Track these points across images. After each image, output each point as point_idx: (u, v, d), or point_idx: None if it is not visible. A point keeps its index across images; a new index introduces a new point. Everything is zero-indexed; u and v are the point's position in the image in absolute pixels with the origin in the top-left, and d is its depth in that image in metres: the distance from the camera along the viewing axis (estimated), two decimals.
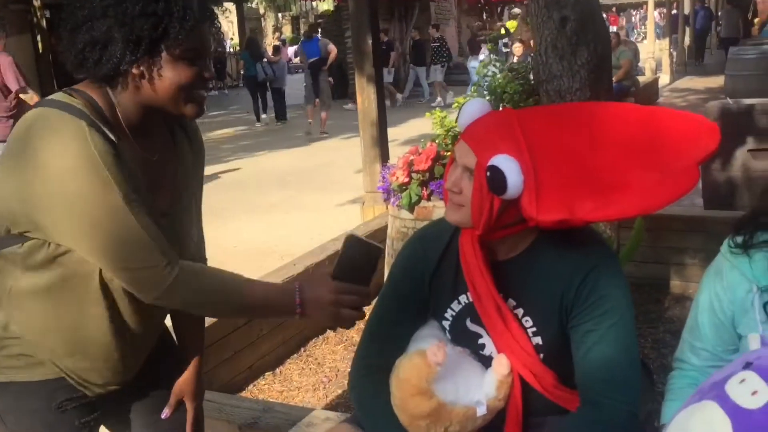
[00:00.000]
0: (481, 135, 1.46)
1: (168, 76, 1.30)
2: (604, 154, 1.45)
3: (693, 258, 3.93)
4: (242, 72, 15.79)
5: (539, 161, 1.42)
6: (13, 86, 5.87)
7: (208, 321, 2.97)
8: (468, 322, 1.61)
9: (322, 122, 11.75)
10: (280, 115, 13.75)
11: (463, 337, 1.62)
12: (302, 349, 3.59)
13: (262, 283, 1.52)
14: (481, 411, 1.53)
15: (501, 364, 1.53)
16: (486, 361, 1.60)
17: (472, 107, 1.52)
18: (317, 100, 11.91)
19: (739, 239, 1.39)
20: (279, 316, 1.76)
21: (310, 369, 3.40)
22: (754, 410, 1.15)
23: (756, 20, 12.53)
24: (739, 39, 13.02)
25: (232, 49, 22.26)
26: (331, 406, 3.01)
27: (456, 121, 1.57)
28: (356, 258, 1.43)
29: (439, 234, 1.65)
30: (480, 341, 1.60)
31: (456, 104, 4.02)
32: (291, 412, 2.21)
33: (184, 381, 1.64)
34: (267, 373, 3.35)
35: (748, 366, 1.22)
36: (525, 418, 1.55)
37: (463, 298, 1.59)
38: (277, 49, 14.48)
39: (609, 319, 1.45)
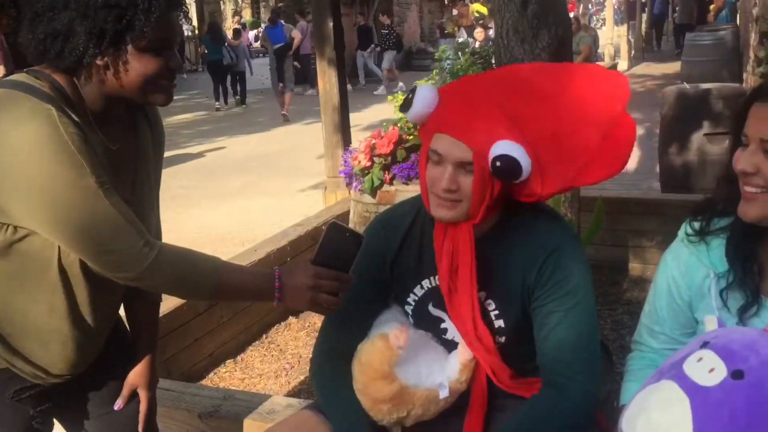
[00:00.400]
0: (468, 124, 1.40)
1: (134, 68, 1.26)
2: (565, 120, 1.47)
3: (650, 240, 3.99)
4: (203, 56, 15.94)
5: (528, 136, 1.42)
6: None
7: (167, 308, 2.94)
8: (431, 307, 1.60)
9: (285, 105, 11.84)
10: (243, 98, 13.89)
11: (425, 322, 1.61)
12: (264, 336, 3.55)
13: (240, 266, 1.50)
14: (444, 394, 1.53)
15: (467, 348, 1.53)
16: (449, 345, 1.59)
17: (425, 96, 1.45)
18: (281, 84, 12.13)
19: (696, 225, 1.39)
20: (256, 301, 1.73)
21: (272, 356, 3.37)
22: (712, 387, 1.16)
23: (711, 7, 12.74)
24: (693, 25, 13.24)
25: (190, 33, 21.81)
26: (293, 393, 2.99)
27: (401, 110, 1.49)
28: (337, 245, 1.41)
29: (401, 218, 1.63)
30: (442, 326, 1.60)
31: None
32: (252, 399, 2.18)
33: (137, 371, 1.61)
34: (228, 361, 3.31)
35: (705, 345, 1.23)
36: (489, 400, 1.55)
37: (426, 283, 1.58)
38: (237, 33, 14.34)
39: (570, 301, 1.46)
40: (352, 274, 1.42)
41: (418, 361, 1.56)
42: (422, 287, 1.59)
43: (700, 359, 1.22)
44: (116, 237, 1.25)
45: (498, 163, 1.36)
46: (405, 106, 1.48)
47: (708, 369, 1.19)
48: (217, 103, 13.58)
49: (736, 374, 1.15)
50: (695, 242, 1.39)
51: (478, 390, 1.55)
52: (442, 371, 1.56)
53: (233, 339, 3.38)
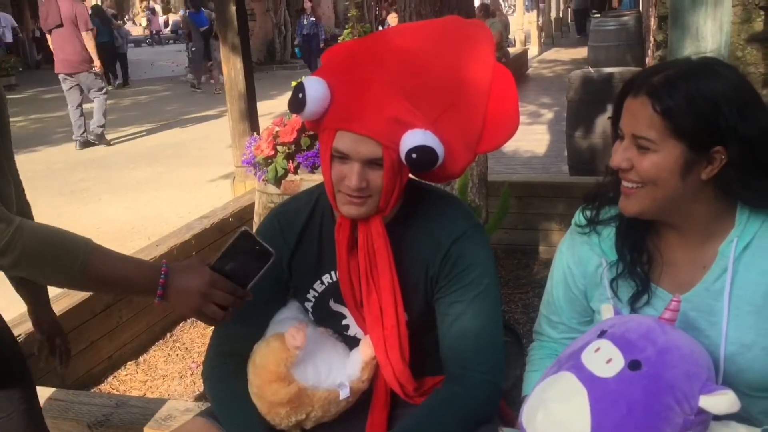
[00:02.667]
0: (369, 117, 1.30)
1: None
2: (452, 87, 1.39)
3: (560, 223, 4.04)
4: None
5: (432, 116, 1.35)
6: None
7: (59, 309, 2.75)
8: (331, 303, 1.53)
9: (216, 80, 13.25)
10: (126, 79, 15.25)
11: (326, 318, 1.54)
12: (168, 335, 3.39)
13: (119, 253, 1.31)
14: (344, 393, 1.47)
15: (368, 345, 1.48)
16: (350, 342, 1.53)
17: (317, 91, 1.33)
18: (210, 62, 13.77)
19: (588, 214, 1.37)
20: (135, 295, 1.57)
21: (177, 355, 3.22)
22: (609, 378, 1.14)
23: None
24: (588, 9, 13.65)
25: None
26: (199, 394, 2.86)
27: (293, 108, 1.36)
28: (243, 256, 1.27)
29: (297, 211, 1.55)
30: (344, 322, 1.54)
31: None
32: (147, 405, 2.05)
33: (45, 323, 1.61)
34: (129, 363, 3.14)
35: (602, 334, 1.21)
36: (392, 398, 1.50)
37: (326, 278, 1.51)
38: (115, 17, 15.88)
39: (473, 290, 1.42)
40: (250, 290, 1.28)
41: (317, 361, 1.49)
42: (323, 282, 1.52)
43: (597, 349, 1.20)
44: None
45: (414, 155, 1.28)
46: (295, 105, 1.36)
47: (605, 359, 1.17)
48: (110, 85, 14.00)
49: (633, 365, 1.14)
50: (586, 232, 1.36)
51: (380, 388, 1.50)
52: (342, 370, 1.50)
53: (134, 339, 3.20)
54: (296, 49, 16.13)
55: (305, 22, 14.61)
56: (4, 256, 1.12)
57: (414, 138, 1.28)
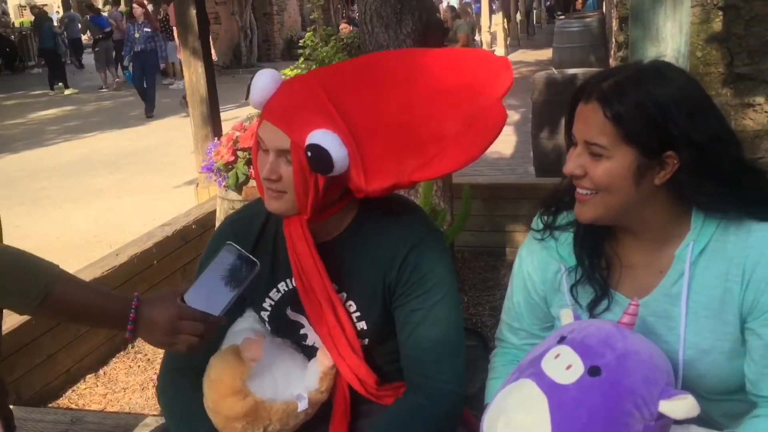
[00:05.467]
0: (287, 111, 1.31)
1: None
2: (418, 108, 1.37)
3: (526, 225, 3.98)
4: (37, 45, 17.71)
5: (357, 127, 1.32)
6: None
7: (14, 323, 2.67)
8: (288, 311, 1.49)
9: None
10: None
11: (283, 328, 1.50)
12: (130, 346, 3.30)
13: (88, 284, 1.26)
14: (303, 405, 1.43)
15: (326, 356, 1.44)
16: (308, 352, 1.50)
17: (263, 80, 1.34)
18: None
19: (545, 219, 1.35)
20: (102, 327, 1.50)
21: (139, 366, 3.14)
22: (569, 385, 1.12)
23: None
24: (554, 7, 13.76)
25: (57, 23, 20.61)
26: None
27: (246, 98, 1.41)
28: (220, 272, 1.23)
29: (251, 218, 1.51)
30: (302, 331, 1.50)
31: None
32: (104, 420, 1.99)
33: None
34: (89, 376, 3.05)
35: (562, 340, 1.19)
36: (352, 408, 1.46)
37: (282, 286, 1.48)
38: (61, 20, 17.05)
39: (432, 298, 1.39)
40: (222, 315, 1.24)
41: (274, 372, 1.45)
42: (278, 290, 1.48)
43: (557, 356, 1.18)
44: None
45: (309, 153, 1.26)
46: (247, 93, 1.38)
47: (565, 366, 1.15)
48: (51, 92, 14.79)
49: (592, 371, 1.12)
50: (544, 238, 1.34)
51: (340, 398, 1.47)
52: (300, 381, 1.46)
53: (94, 351, 3.12)
54: (126, 72, 12.86)
55: (136, 34, 11.33)
56: None
57: (314, 137, 1.27)
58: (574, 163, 1.20)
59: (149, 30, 11.54)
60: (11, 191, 6.63)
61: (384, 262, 1.41)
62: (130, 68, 11.79)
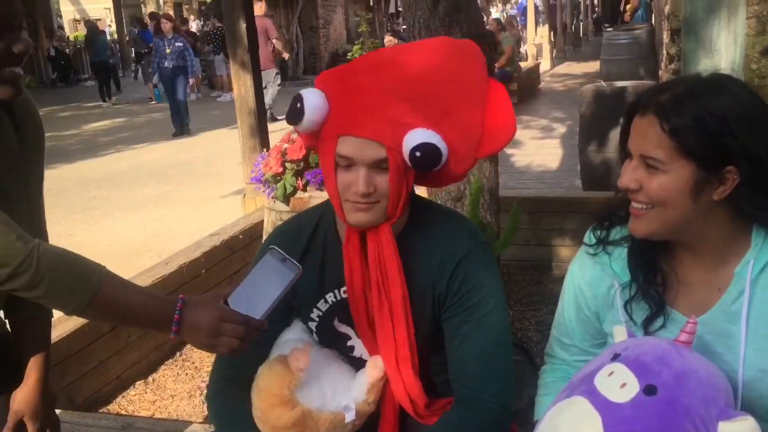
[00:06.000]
0: (371, 120, 1.30)
1: None
2: (449, 95, 1.39)
3: (573, 239, 3.99)
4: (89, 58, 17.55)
5: (432, 119, 1.34)
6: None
7: (67, 330, 2.74)
8: (336, 322, 1.50)
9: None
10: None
11: (330, 339, 1.51)
12: (178, 354, 3.36)
13: (134, 285, 1.29)
14: (350, 417, 1.43)
15: (375, 367, 1.44)
16: (356, 364, 1.50)
17: (316, 99, 1.33)
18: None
19: (598, 233, 1.32)
20: (146, 328, 1.53)
21: (187, 374, 3.19)
22: (624, 404, 1.10)
23: (628, 7, 13.09)
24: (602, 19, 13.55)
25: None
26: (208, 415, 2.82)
27: (291, 121, 1.36)
28: (263, 276, 1.24)
29: (299, 230, 1.52)
30: (349, 343, 1.50)
31: None
32: (154, 427, 2.02)
33: (22, 398, 1.42)
34: (138, 382, 3.11)
35: (616, 357, 1.17)
36: (401, 420, 1.46)
37: (330, 297, 1.48)
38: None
39: (481, 310, 1.39)
40: (268, 316, 1.25)
41: (322, 383, 1.45)
42: (326, 301, 1.49)
43: (611, 373, 1.15)
44: None
45: (417, 154, 1.28)
46: (294, 117, 1.34)
47: (619, 384, 1.13)
48: (105, 101, 15.15)
49: (648, 389, 1.09)
50: (597, 253, 1.31)
51: (388, 411, 1.46)
52: (348, 392, 1.46)
53: (144, 358, 3.18)
54: (156, 91, 13.01)
55: (167, 50, 10.53)
56: (20, 276, 1.10)
57: (417, 136, 1.29)
58: (629, 176, 1.18)
59: (180, 45, 10.73)
60: (65, 200, 6.81)
61: (433, 273, 1.41)
62: (160, 85, 11.41)
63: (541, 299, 3.71)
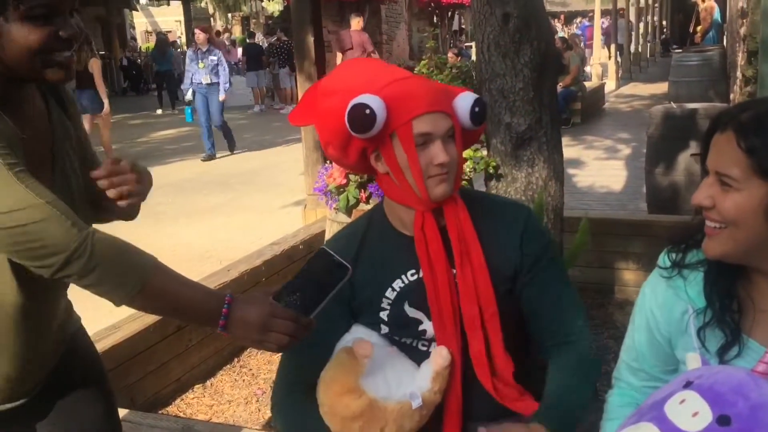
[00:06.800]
0: (429, 96, 1.44)
1: (16, 38, 1.11)
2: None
3: (637, 263, 3.90)
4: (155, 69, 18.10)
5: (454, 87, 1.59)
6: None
7: (131, 331, 2.81)
8: (407, 307, 1.53)
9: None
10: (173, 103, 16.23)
11: (403, 326, 1.54)
12: (236, 360, 3.41)
13: (183, 277, 1.28)
14: (417, 403, 1.44)
15: (440, 356, 1.46)
16: (430, 347, 1.54)
17: (380, 104, 1.42)
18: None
19: (673, 256, 1.29)
20: (194, 322, 1.57)
21: (244, 381, 3.23)
22: None
23: (699, 28, 12.77)
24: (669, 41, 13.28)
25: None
26: (264, 421, 2.85)
27: (358, 127, 1.43)
28: (313, 275, 1.26)
29: (353, 231, 1.61)
30: (421, 327, 1.54)
31: None
32: (213, 430, 2.05)
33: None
34: (197, 386, 3.17)
35: (688, 385, 1.13)
36: (465, 410, 1.49)
37: (397, 284, 1.53)
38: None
39: (558, 265, 1.59)
40: (318, 315, 1.26)
41: (386, 373, 1.47)
42: (394, 289, 1.54)
43: (682, 401, 1.12)
44: (36, 219, 1.10)
45: (477, 109, 1.47)
46: (367, 122, 1.40)
47: (691, 412, 1.09)
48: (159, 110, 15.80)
49: (722, 420, 1.05)
50: (672, 276, 1.27)
51: (453, 400, 1.49)
52: (412, 381, 1.47)
53: (203, 363, 3.23)
54: (187, 110, 10.71)
55: (200, 64, 9.42)
56: (74, 263, 1.12)
57: (466, 97, 1.48)
58: (703, 193, 1.15)
59: (215, 58, 9.49)
60: None
61: (501, 244, 1.53)
62: (194, 103, 9.76)
63: (602, 323, 3.62)
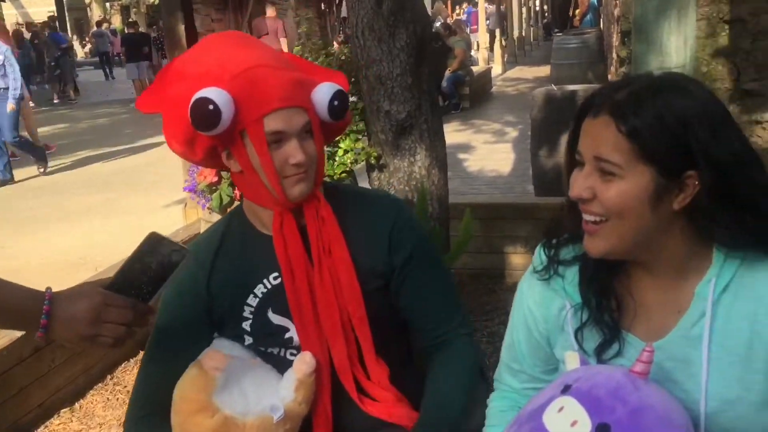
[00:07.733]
0: (285, 91, 1.31)
1: None
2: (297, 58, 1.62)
3: (525, 246, 3.90)
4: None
5: (318, 73, 1.48)
6: None
7: None
8: (270, 314, 1.41)
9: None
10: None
11: (268, 334, 1.42)
12: (108, 377, 3.13)
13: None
14: (279, 416, 1.32)
15: (304, 362, 1.35)
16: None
17: (226, 98, 1.28)
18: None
19: (548, 252, 1.19)
20: (13, 328, 1.37)
21: (118, 399, 2.97)
22: None
23: (577, 11, 13.21)
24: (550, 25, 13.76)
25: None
26: None
27: (201, 125, 1.30)
28: (147, 261, 1.12)
29: (209, 236, 1.48)
30: (287, 335, 1.41)
31: None
32: None
33: None
34: (63, 410, 2.88)
35: (566, 390, 1.04)
36: (338, 424, 1.39)
37: (259, 289, 1.41)
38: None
39: (430, 259, 1.49)
40: (160, 298, 1.15)
41: (244, 386, 1.35)
42: (256, 295, 1.41)
43: (561, 408, 1.03)
44: None
45: (336, 102, 1.36)
46: (211, 119, 1.27)
47: (570, 421, 1.00)
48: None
49: (601, 428, 0.97)
50: (547, 278, 1.18)
51: (320, 411, 1.38)
52: (275, 392, 1.35)
53: (70, 384, 2.95)
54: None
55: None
56: None
57: (325, 88, 1.36)
58: (581, 184, 1.05)
59: (0, 57, 7.58)
60: None
61: (369, 244, 1.41)
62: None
63: (493, 309, 3.59)
